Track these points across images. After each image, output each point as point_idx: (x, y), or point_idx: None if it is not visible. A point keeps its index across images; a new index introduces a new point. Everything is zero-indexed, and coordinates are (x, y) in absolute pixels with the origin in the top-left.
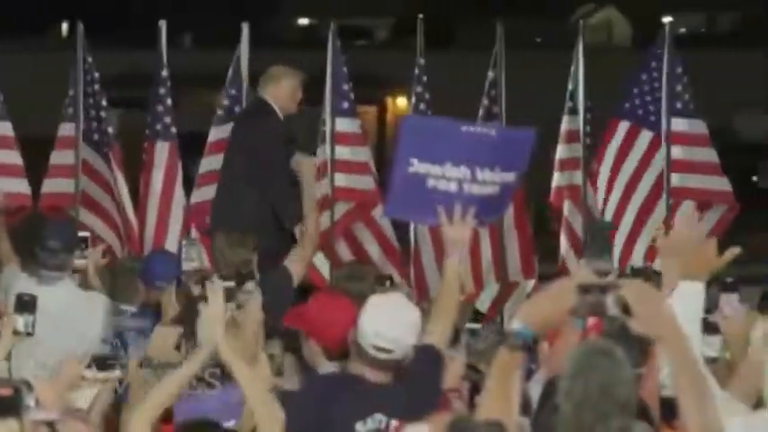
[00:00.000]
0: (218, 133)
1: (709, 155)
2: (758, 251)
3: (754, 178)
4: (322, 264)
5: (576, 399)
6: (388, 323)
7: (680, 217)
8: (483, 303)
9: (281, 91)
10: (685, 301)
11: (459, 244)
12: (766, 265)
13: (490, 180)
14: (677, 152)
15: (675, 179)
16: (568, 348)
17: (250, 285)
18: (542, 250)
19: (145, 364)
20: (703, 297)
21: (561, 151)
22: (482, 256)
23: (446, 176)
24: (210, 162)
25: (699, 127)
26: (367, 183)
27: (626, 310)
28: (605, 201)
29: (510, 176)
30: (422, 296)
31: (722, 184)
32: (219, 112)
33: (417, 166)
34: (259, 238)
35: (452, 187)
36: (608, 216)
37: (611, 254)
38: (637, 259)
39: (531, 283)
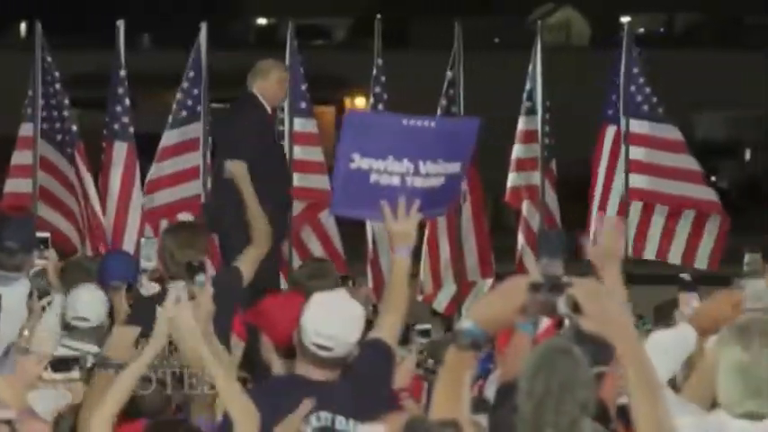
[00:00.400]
0: (171, 137)
1: (683, 161)
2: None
3: (714, 179)
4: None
5: (536, 398)
6: (327, 320)
7: (605, 229)
8: (440, 303)
9: (269, 84)
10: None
11: (406, 238)
12: (726, 265)
13: (434, 172)
14: (636, 153)
15: (634, 180)
16: (521, 350)
17: (201, 278)
18: (500, 249)
19: (103, 364)
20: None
21: (519, 151)
22: (440, 257)
23: (389, 171)
24: (163, 167)
25: (667, 131)
26: (323, 182)
27: (576, 308)
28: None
29: (455, 167)
30: (380, 296)
31: (702, 192)
32: (183, 112)
33: (359, 162)
34: (242, 231)
35: (395, 181)
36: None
37: (563, 255)
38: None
39: (489, 282)
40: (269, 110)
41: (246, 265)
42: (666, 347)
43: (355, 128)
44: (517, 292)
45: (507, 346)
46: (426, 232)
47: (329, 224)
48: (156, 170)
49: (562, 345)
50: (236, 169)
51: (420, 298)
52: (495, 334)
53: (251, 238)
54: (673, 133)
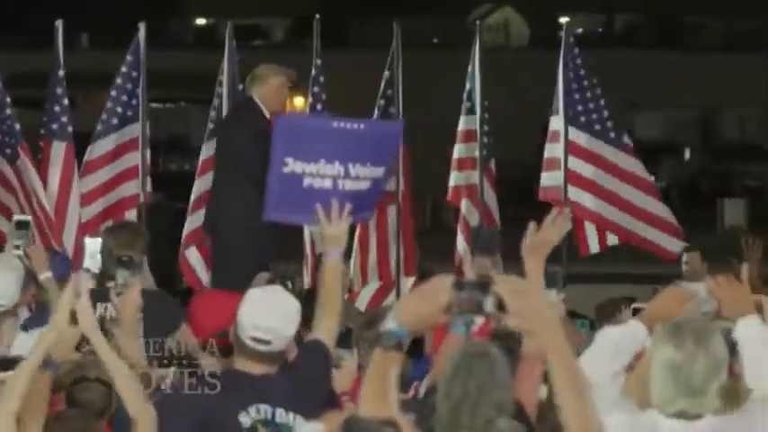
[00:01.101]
0: (105, 145)
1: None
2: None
3: (653, 178)
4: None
5: (453, 401)
6: (264, 314)
7: (548, 220)
8: (362, 300)
9: (269, 90)
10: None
11: (338, 241)
12: (660, 265)
13: (363, 175)
14: (573, 163)
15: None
16: (450, 348)
17: (124, 273)
18: (439, 249)
19: (44, 364)
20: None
21: (458, 151)
22: (369, 255)
23: (321, 174)
24: (97, 177)
25: (600, 148)
26: None
27: (501, 306)
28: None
29: (379, 171)
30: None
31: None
32: (118, 110)
33: (293, 166)
34: (246, 238)
35: (328, 184)
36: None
37: (496, 252)
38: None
39: (411, 280)
40: (267, 115)
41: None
42: (616, 343)
43: (286, 132)
44: (440, 292)
45: (440, 347)
46: (357, 231)
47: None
48: (89, 182)
49: (480, 348)
50: None
51: (346, 296)
52: (419, 333)
53: (248, 245)
54: (606, 151)
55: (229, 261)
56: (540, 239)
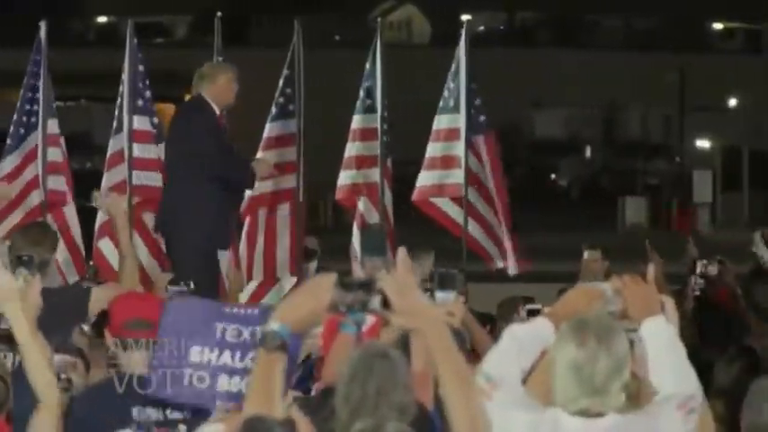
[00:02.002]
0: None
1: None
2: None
3: (554, 176)
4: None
5: (353, 403)
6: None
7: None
8: (242, 299)
9: (218, 88)
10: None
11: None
12: (568, 261)
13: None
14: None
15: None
16: (344, 351)
17: (23, 271)
18: (339, 248)
19: None
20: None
21: (355, 149)
22: (255, 253)
23: (201, 364)
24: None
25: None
26: (157, 180)
27: (386, 304)
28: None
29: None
30: (222, 293)
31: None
32: (26, 107)
33: (175, 349)
34: (199, 231)
35: (206, 381)
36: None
37: (386, 251)
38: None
39: (293, 279)
40: (218, 111)
41: (101, 292)
42: (522, 341)
43: (175, 315)
44: (323, 291)
45: (332, 347)
46: (246, 227)
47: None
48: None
49: (380, 349)
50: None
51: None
52: (303, 333)
53: (204, 237)
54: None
55: (188, 260)
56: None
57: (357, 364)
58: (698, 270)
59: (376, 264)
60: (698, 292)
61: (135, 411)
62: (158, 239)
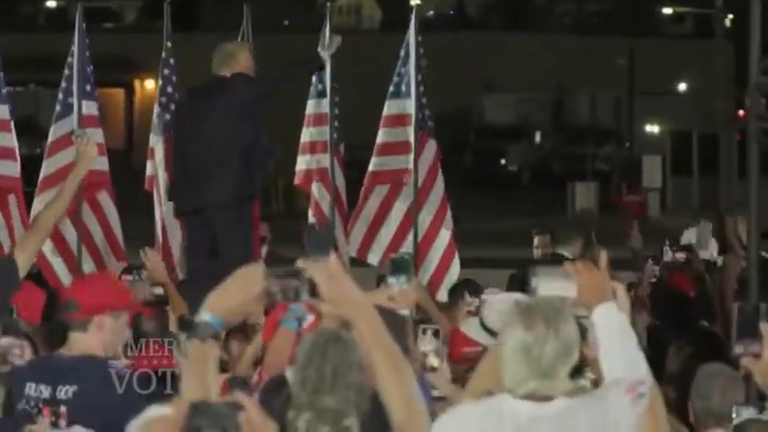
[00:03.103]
0: None
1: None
2: (509, 234)
3: (503, 161)
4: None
5: (310, 387)
6: None
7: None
8: None
9: (239, 65)
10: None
11: None
12: (518, 247)
13: None
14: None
15: None
16: (284, 345)
17: None
18: (293, 234)
19: None
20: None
21: (311, 134)
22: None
23: None
24: None
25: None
26: (103, 164)
27: (315, 292)
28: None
29: None
30: (172, 276)
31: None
32: None
33: None
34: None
35: None
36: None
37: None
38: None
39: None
40: None
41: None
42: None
43: None
44: (252, 282)
45: (271, 342)
46: None
47: (108, 208)
48: None
49: (332, 332)
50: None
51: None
52: (233, 323)
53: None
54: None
55: (230, 242)
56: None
57: (311, 349)
58: (666, 257)
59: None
60: (654, 279)
61: (28, 387)
62: (113, 225)
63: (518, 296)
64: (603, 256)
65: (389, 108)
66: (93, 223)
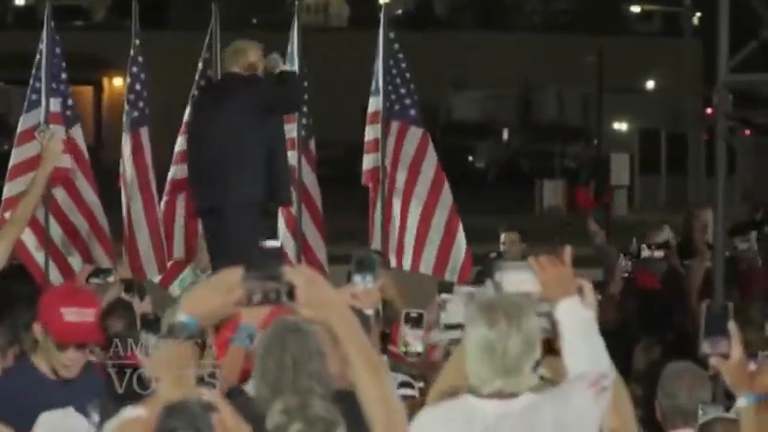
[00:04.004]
0: None
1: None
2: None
3: (471, 158)
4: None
5: (270, 378)
6: None
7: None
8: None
9: (248, 62)
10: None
11: None
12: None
13: None
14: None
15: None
16: (236, 362)
17: None
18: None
19: None
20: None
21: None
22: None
23: None
24: None
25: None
26: (68, 161)
27: (292, 295)
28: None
29: None
30: (138, 275)
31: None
32: None
33: None
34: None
35: None
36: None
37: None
38: (426, 266)
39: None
40: None
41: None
42: None
43: None
44: (230, 287)
45: (223, 359)
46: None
47: (92, 201)
48: None
49: (291, 323)
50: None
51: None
52: (209, 325)
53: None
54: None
55: (242, 240)
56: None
57: (270, 340)
58: (643, 254)
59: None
60: (626, 274)
61: None
62: (77, 226)
63: (469, 289)
64: (568, 252)
65: (370, 105)
66: (77, 216)
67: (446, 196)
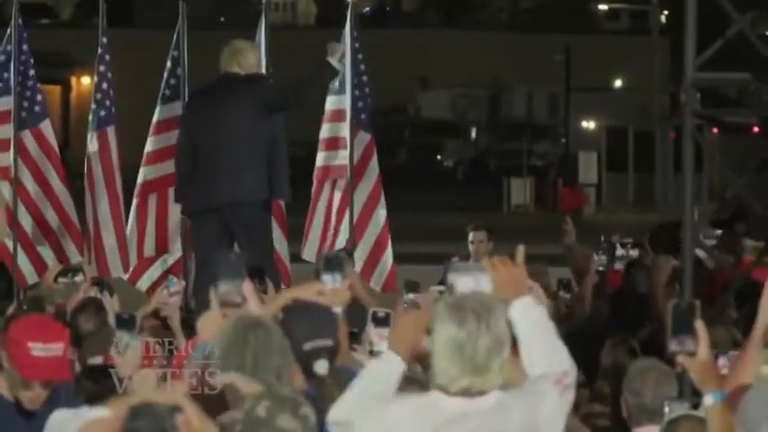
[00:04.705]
0: None
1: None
2: (444, 230)
3: (439, 156)
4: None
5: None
6: None
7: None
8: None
9: (248, 62)
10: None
11: None
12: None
13: None
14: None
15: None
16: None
17: None
18: None
19: None
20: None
21: None
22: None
23: None
24: None
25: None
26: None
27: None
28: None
29: None
30: (104, 273)
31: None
32: None
33: None
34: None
35: None
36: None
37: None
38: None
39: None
40: None
41: None
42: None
43: None
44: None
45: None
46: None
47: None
48: None
49: (252, 319)
50: None
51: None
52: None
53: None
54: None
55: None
56: None
57: (231, 337)
58: (617, 252)
59: (230, 290)
60: (601, 268)
61: None
62: (47, 218)
63: (439, 288)
64: (521, 251)
65: (329, 104)
66: (48, 209)
67: (381, 212)
